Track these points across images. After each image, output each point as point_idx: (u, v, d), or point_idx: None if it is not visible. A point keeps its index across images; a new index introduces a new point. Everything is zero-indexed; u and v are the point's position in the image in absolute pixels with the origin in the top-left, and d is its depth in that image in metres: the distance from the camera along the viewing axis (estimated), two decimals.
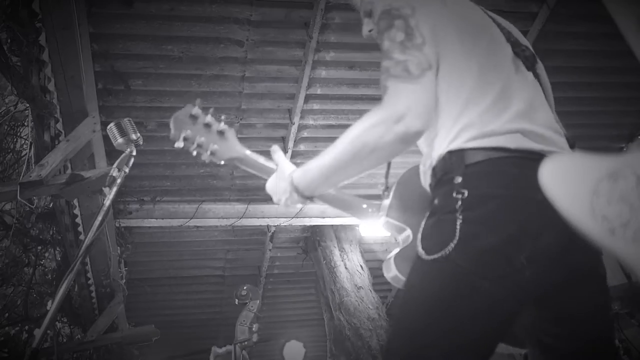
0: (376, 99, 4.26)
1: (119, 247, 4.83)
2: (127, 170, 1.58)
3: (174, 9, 3.48)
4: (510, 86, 1.23)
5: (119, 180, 1.47)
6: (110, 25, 3.49)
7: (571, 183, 1.02)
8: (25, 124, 3.85)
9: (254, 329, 2.76)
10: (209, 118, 1.48)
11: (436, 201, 1.18)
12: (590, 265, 1.21)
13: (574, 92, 4.44)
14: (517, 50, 1.32)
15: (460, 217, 1.09)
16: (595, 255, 1.21)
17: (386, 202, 1.51)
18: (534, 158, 1.11)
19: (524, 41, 1.41)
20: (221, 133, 1.49)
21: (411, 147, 1.20)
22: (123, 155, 1.61)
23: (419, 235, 1.18)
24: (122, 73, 3.76)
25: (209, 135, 1.47)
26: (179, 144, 1.43)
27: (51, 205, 4.07)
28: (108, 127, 1.64)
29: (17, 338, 4.35)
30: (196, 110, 1.46)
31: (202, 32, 3.67)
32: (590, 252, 1.18)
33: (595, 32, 3.96)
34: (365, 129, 1.17)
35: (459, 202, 1.10)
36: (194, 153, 1.47)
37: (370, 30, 1.50)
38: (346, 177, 1.26)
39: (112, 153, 3.87)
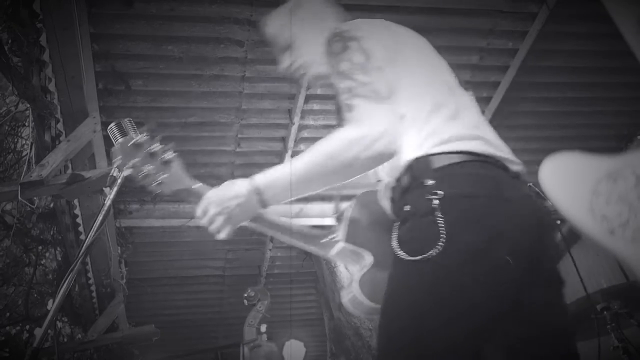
0: None
1: (119, 247, 4.83)
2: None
3: (174, 9, 3.48)
4: (461, 103, 1.29)
5: (119, 181, 1.48)
6: (110, 25, 3.49)
7: (571, 183, 1.03)
8: (26, 124, 3.86)
9: (262, 329, 2.74)
10: (154, 146, 1.36)
11: (407, 207, 1.17)
12: (555, 265, 1.22)
13: (573, 92, 4.43)
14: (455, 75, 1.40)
15: (440, 217, 1.08)
16: (558, 257, 1.23)
17: (341, 227, 1.43)
18: (496, 163, 1.17)
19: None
20: (167, 163, 1.38)
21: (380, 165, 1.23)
22: None
23: (394, 243, 1.15)
24: (123, 73, 3.76)
25: (156, 165, 1.36)
26: (126, 172, 1.33)
27: (52, 205, 4.08)
28: (109, 127, 1.64)
29: (18, 338, 4.36)
30: (141, 138, 1.35)
31: (202, 32, 3.67)
32: (557, 251, 1.22)
33: (595, 32, 3.95)
34: (343, 145, 1.18)
35: (436, 203, 1.10)
36: (140, 183, 1.37)
37: (290, 65, 1.54)
38: (310, 190, 1.27)
39: None
